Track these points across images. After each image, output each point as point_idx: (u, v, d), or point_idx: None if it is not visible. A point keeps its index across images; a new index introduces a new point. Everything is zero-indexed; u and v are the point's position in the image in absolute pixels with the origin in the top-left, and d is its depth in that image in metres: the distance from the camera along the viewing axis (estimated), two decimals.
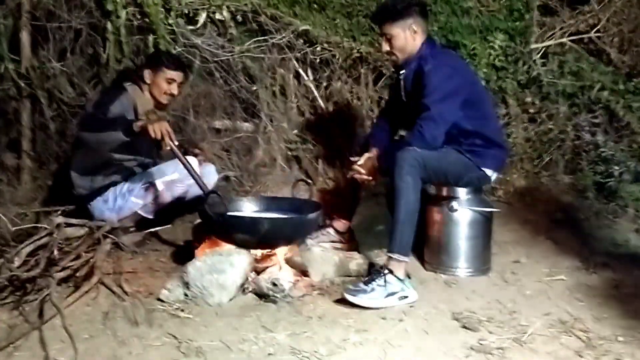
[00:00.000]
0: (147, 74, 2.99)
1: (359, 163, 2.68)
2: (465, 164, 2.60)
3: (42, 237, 2.46)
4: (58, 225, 2.55)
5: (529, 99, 3.80)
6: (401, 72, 2.70)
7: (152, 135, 2.52)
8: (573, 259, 2.86)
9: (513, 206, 3.33)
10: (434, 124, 2.50)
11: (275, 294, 2.31)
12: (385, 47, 2.67)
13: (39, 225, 2.63)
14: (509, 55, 3.85)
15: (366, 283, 2.32)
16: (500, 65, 3.81)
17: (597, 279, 2.63)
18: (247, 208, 2.85)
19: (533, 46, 3.87)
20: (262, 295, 2.34)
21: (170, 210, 3.14)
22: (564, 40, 3.93)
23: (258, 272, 2.47)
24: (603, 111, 3.71)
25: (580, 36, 3.97)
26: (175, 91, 3.02)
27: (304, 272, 2.54)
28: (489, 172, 2.66)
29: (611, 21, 3.96)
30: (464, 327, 2.10)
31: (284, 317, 2.19)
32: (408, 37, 2.61)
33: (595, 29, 3.94)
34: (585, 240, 3.12)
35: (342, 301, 2.29)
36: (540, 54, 3.89)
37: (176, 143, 2.56)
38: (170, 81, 2.98)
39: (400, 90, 2.73)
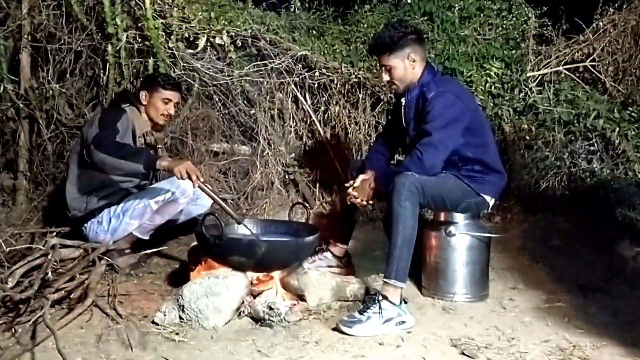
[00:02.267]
0: (143, 95, 3.01)
1: (354, 185, 2.67)
2: (464, 190, 2.60)
3: (36, 258, 2.45)
4: (53, 247, 2.54)
5: (525, 126, 3.83)
6: (402, 99, 2.70)
7: (179, 177, 2.60)
8: (571, 286, 2.85)
9: (510, 232, 3.32)
10: (434, 150, 2.50)
11: (272, 318, 2.28)
12: (385, 77, 2.66)
13: (34, 246, 2.62)
14: (505, 82, 3.89)
15: (361, 312, 2.29)
16: (497, 93, 3.85)
17: (595, 306, 2.61)
18: (244, 231, 2.84)
19: (529, 74, 3.92)
20: (258, 319, 2.32)
21: (165, 232, 3.14)
22: (559, 68, 3.98)
23: (254, 295, 2.45)
24: (599, 139, 3.73)
25: (575, 65, 4.02)
26: (172, 111, 3.04)
27: (300, 296, 2.52)
28: (487, 198, 2.66)
29: (606, 50, 4.02)
30: (463, 353, 2.08)
31: (280, 341, 2.16)
32: (407, 66, 2.61)
33: (590, 58, 4.00)
34: (582, 267, 3.11)
35: None
36: (536, 81, 3.93)
37: (202, 180, 2.63)
38: (166, 101, 3.01)
39: (400, 117, 2.74)
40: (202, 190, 2.63)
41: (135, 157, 2.67)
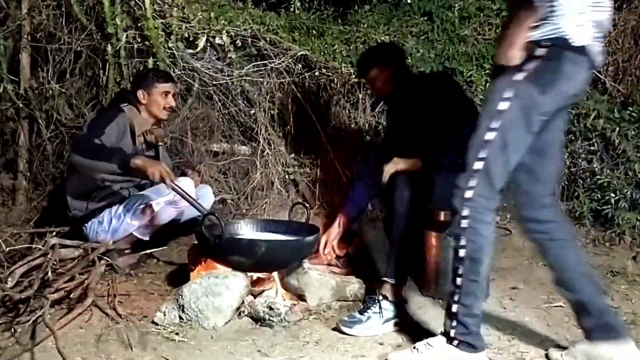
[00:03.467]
0: (140, 94, 3.02)
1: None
2: None
3: (36, 258, 2.45)
4: (52, 247, 2.53)
5: None
6: (388, 103, 2.89)
7: (152, 179, 2.63)
8: None
9: (510, 232, 3.31)
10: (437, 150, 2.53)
11: (272, 318, 2.28)
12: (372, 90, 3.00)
13: (34, 246, 2.62)
14: None
15: (361, 312, 2.29)
16: None
17: None
18: (244, 231, 2.84)
19: None
20: (258, 319, 2.32)
21: (165, 232, 3.13)
22: None
23: (254, 295, 2.45)
24: (599, 139, 3.72)
25: None
26: (173, 103, 3.07)
27: (300, 296, 2.52)
28: None
29: (606, 50, 4.00)
30: None
31: (280, 341, 2.16)
32: (382, 78, 2.74)
33: None
34: None
35: None
36: None
37: (177, 182, 2.64)
38: (165, 94, 3.02)
39: (392, 119, 2.84)
40: (175, 190, 2.62)
41: (108, 157, 2.68)
